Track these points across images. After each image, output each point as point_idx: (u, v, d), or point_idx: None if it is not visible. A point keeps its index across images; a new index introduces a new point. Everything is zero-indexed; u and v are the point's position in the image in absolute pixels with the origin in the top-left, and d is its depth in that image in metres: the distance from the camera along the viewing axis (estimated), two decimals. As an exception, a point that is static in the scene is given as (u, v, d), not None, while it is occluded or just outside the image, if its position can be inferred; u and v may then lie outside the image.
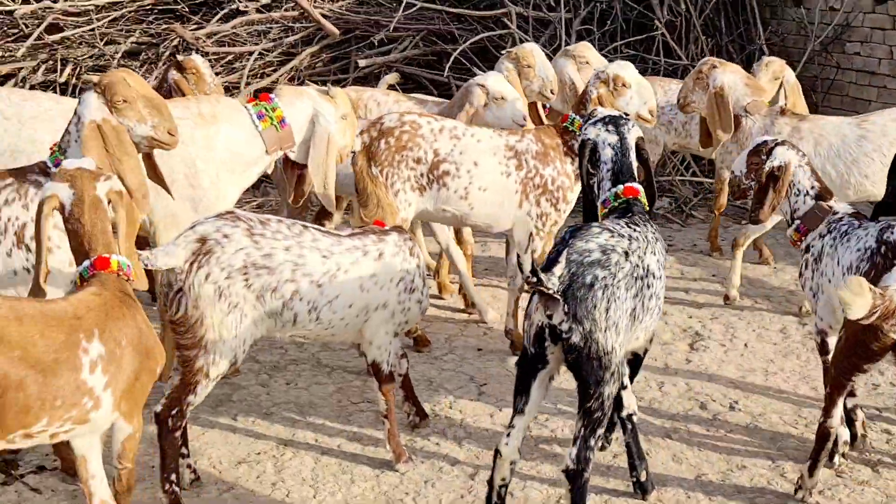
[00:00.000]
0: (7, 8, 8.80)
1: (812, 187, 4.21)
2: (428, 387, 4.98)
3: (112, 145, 3.89)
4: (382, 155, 5.08)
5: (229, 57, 8.96)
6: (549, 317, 3.32)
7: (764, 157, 4.23)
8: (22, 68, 8.83)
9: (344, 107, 4.84)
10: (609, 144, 3.85)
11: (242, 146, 4.70)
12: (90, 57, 9.06)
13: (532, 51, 6.08)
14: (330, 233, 4.02)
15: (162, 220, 4.66)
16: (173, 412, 3.77)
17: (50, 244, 3.53)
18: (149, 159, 4.21)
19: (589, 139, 3.89)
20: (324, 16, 8.94)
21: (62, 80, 8.85)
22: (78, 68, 9.06)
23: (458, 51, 8.71)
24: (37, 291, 3.32)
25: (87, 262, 3.23)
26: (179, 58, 6.29)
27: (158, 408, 3.79)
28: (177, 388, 3.78)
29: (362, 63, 8.76)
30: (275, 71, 8.94)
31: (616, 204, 3.78)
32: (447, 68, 8.72)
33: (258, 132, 4.71)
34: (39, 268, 3.29)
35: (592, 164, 3.88)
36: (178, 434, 3.81)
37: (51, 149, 4.05)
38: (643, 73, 9.10)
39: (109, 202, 3.27)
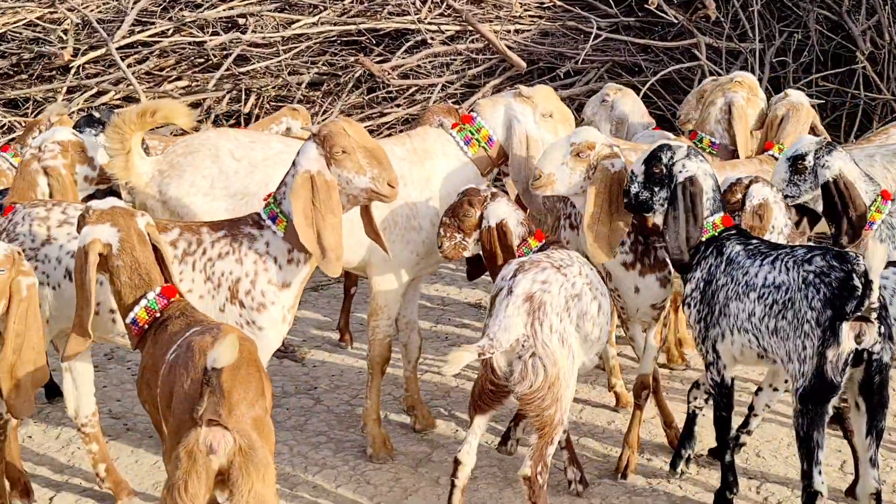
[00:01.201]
0: (198, 39, 8.90)
1: None
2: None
3: (320, 199, 3.75)
4: None
5: (413, 89, 8.84)
6: (859, 342, 3.47)
7: None
8: (206, 98, 8.92)
9: (545, 104, 4.65)
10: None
11: (456, 178, 4.57)
12: (273, 87, 9.09)
13: (750, 77, 5.70)
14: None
15: (379, 264, 4.50)
16: (539, 469, 3.75)
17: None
18: (366, 212, 4.05)
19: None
20: (508, 47, 8.73)
21: (246, 110, 8.90)
22: (261, 98, 9.11)
23: (647, 85, 8.35)
24: (82, 334, 3.42)
25: (153, 293, 3.29)
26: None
27: (527, 471, 3.74)
28: (539, 447, 3.75)
29: (547, 96, 8.49)
30: (457, 103, 8.78)
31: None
32: (635, 102, 8.35)
33: (469, 159, 4.62)
34: (84, 312, 3.40)
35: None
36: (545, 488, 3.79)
37: (265, 200, 3.94)
38: (840, 107, 8.65)
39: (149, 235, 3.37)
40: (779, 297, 3.65)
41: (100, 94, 8.83)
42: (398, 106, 8.83)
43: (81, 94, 8.84)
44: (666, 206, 4.03)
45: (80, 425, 4.15)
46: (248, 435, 2.81)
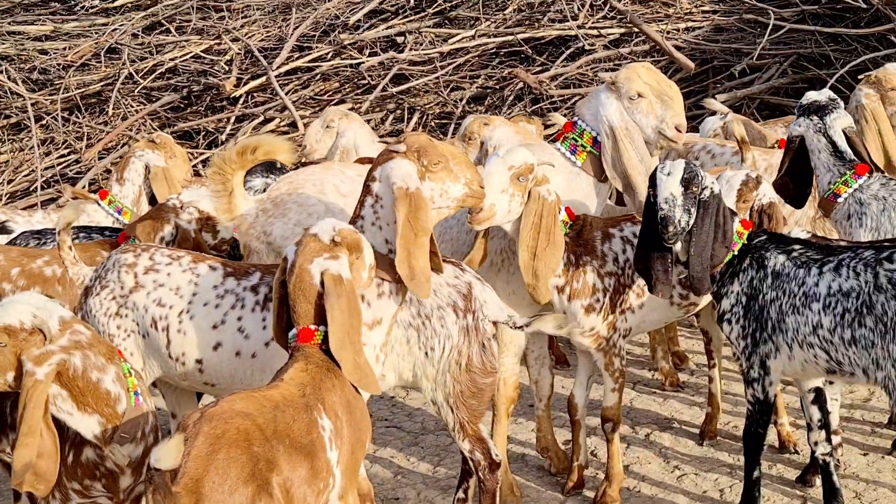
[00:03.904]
0: (356, 60, 8.82)
1: None
2: None
3: (416, 217, 3.45)
4: None
5: (575, 99, 8.40)
6: None
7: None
8: (370, 119, 8.82)
9: (629, 85, 4.27)
10: None
11: (570, 190, 4.30)
12: (436, 104, 8.89)
13: None
14: None
15: (505, 296, 4.18)
16: None
17: None
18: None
19: None
20: (677, 47, 8.14)
21: (409, 129, 8.74)
22: (425, 116, 8.93)
23: (835, 77, 7.56)
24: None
25: (292, 332, 3.12)
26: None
27: None
28: None
29: (720, 98, 7.85)
30: (623, 110, 8.28)
31: None
32: (821, 98, 7.58)
33: (578, 168, 4.35)
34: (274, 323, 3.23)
35: None
36: None
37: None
38: None
39: (322, 282, 3.09)
40: (849, 304, 3.46)
41: (266, 121, 8.91)
42: (564, 116, 8.42)
43: (250, 123, 8.94)
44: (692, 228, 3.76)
45: None
46: None
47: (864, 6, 8.05)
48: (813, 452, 4.06)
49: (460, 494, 4.05)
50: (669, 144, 4.48)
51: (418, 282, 3.43)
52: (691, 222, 3.71)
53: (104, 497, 3.16)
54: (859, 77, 5.28)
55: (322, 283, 3.07)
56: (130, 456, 3.09)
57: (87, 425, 3.00)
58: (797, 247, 3.72)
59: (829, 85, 7.54)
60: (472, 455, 3.84)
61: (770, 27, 8.08)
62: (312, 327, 3.07)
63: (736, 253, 3.80)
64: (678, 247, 3.80)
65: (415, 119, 8.85)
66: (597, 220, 4.22)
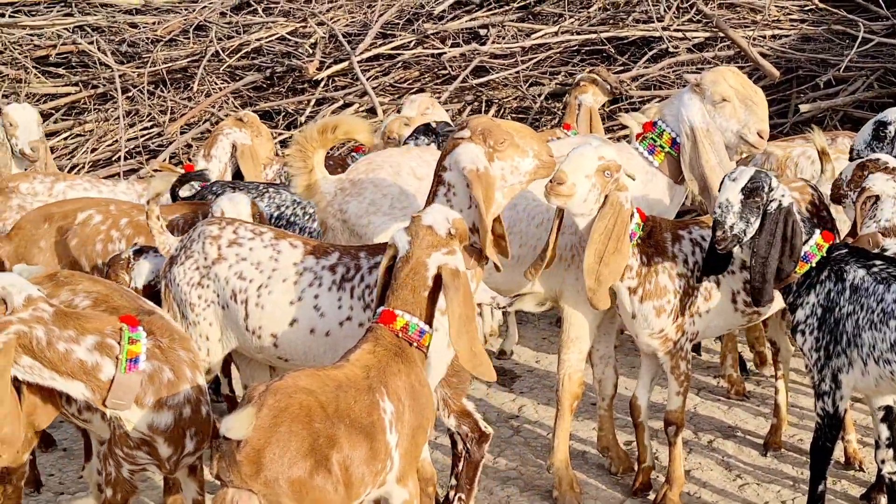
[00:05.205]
0: (438, 50, 8.86)
1: None
2: None
3: (486, 198, 3.55)
4: None
5: (655, 100, 8.35)
6: None
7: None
8: (449, 110, 8.84)
9: (714, 88, 4.27)
10: None
11: (648, 191, 4.34)
12: (514, 98, 8.89)
13: None
14: None
15: (572, 293, 4.27)
16: None
17: None
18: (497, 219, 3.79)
19: None
20: (763, 55, 8.03)
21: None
22: (502, 110, 8.94)
23: (922, 93, 7.41)
24: None
25: (376, 312, 3.19)
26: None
27: None
28: None
29: (804, 108, 7.74)
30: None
31: None
32: (908, 113, 7.43)
33: (655, 168, 4.37)
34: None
35: None
36: None
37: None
38: None
39: (439, 274, 3.17)
40: None
41: (346, 105, 8.98)
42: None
43: (329, 106, 9.03)
44: (753, 236, 3.75)
45: None
46: (278, 499, 2.66)
47: (959, 22, 7.88)
48: (879, 470, 4.01)
49: (453, 481, 4.14)
50: (751, 150, 4.46)
51: (493, 260, 3.58)
52: (749, 231, 3.71)
53: (152, 464, 3.27)
54: None
55: (435, 278, 3.17)
56: (153, 423, 3.16)
57: (76, 389, 3.11)
58: (878, 262, 3.68)
59: (914, 102, 7.41)
60: (458, 429, 3.99)
61: (859, 39, 7.93)
62: (398, 312, 3.14)
63: (814, 265, 3.78)
64: (743, 254, 3.80)
65: (492, 112, 8.85)
66: (665, 222, 4.22)
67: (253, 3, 9.97)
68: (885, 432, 3.89)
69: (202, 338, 3.82)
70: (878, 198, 4.07)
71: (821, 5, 8.51)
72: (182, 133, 8.92)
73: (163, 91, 9.35)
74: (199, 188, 5.42)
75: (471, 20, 9.04)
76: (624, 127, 7.66)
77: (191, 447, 3.23)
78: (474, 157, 3.55)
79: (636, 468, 4.52)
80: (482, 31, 9.02)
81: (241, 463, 2.66)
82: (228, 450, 2.68)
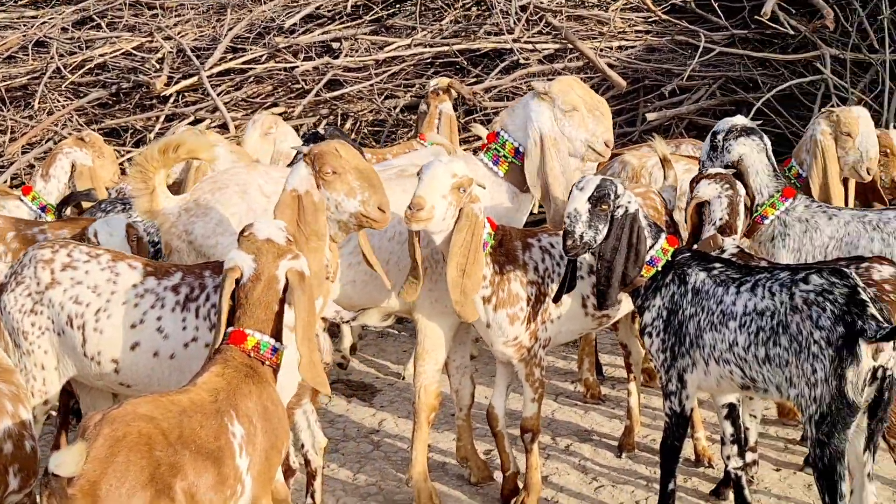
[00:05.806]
0: (290, 64, 8.75)
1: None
2: None
3: (305, 221, 3.51)
4: None
5: (507, 111, 8.45)
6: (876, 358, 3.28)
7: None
8: (303, 124, 8.75)
9: (564, 97, 4.32)
10: None
11: (495, 202, 4.36)
12: (370, 111, 8.86)
13: (858, 118, 5.05)
14: None
15: (426, 305, 4.25)
16: None
17: None
18: (364, 240, 3.80)
19: None
20: (610, 65, 8.23)
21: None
22: (358, 123, 8.89)
23: (761, 100, 7.71)
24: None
25: (224, 332, 3.12)
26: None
27: None
28: None
29: (650, 116, 7.96)
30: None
31: None
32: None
33: (501, 178, 4.40)
34: (218, 337, 3.16)
35: None
36: None
37: None
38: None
39: (287, 282, 3.13)
40: (764, 323, 3.50)
41: (197, 121, 8.76)
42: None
43: (180, 122, 8.80)
44: (600, 243, 3.84)
45: None
46: None
47: (792, 33, 8.23)
48: (726, 466, 4.13)
49: (308, 500, 4.14)
50: (597, 158, 4.53)
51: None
52: (599, 238, 3.77)
53: None
54: (822, 110, 5.49)
55: (283, 288, 3.12)
56: None
57: None
58: (717, 265, 3.79)
59: (755, 109, 7.71)
60: None
61: (700, 49, 8.21)
62: (248, 332, 3.07)
63: (660, 268, 3.86)
64: (590, 259, 3.88)
65: (348, 125, 8.80)
66: (515, 231, 4.26)
67: (96, 17, 9.65)
68: (729, 429, 4.01)
69: (37, 367, 3.65)
70: (707, 203, 4.20)
71: (664, 17, 8.78)
72: (24, 153, 8.55)
73: (2, 110, 8.95)
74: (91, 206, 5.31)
75: (323, 33, 8.97)
76: (479, 137, 7.72)
77: (15, 485, 3.05)
78: (300, 178, 3.59)
79: (495, 477, 4.53)
80: (335, 45, 8.97)
81: (75, 497, 2.53)
82: (59, 486, 2.54)
